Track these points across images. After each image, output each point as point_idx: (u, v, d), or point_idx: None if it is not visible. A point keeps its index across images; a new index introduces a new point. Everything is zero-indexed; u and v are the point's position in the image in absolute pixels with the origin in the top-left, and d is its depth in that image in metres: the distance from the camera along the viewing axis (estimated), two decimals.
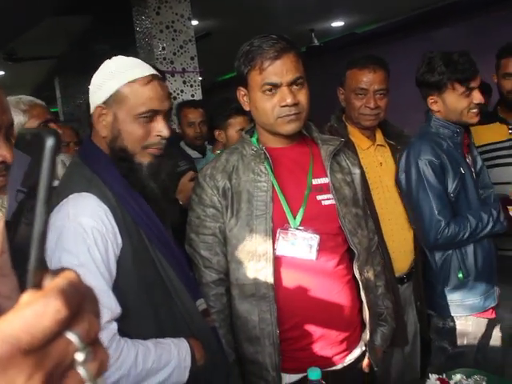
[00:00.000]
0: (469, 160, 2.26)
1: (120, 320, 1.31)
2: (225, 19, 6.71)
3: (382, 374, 2.26)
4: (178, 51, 4.72)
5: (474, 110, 2.17)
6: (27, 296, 0.39)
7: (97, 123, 1.45)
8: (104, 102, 1.43)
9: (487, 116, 2.67)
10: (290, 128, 1.63)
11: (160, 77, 1.48)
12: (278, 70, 1.57)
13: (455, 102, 2.17)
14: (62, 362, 0.39)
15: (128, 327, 1.34)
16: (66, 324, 0.39)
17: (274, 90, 1.59)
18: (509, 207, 2.13)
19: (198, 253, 1.68)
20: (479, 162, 2.33)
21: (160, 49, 4.63)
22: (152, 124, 1.43)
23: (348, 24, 8.15)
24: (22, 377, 0.36)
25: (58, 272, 0.40)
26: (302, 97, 1.62)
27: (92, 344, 0.41)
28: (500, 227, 2.16)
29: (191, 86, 4.78)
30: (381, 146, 2.31)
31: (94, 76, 1.48)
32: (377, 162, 2.27)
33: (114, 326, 1.28)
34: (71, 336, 0.39)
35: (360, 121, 2.24)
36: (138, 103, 1.40)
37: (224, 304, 1.68)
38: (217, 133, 2.96)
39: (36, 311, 0.37)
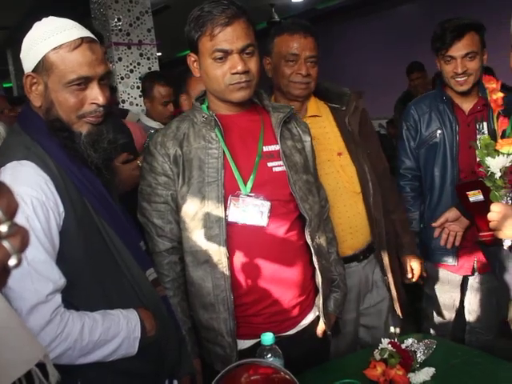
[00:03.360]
0: (480, 127, 2.32)
1: (66, 291, 1.28)
2: None
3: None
4: (135, 23, 4.60)
5: (457, 79, 2.29)
6: None
7: (29, 93, 1.37)
8: (34, 70, 1.35)
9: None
10: (240, 95, 1.62)
11: (91, 39, 1.37)
12: (229, 36, 1.55)
13: (442, 68, 2.35)
14: None
15: (74, 298, 1.32)
16: None
17: (225, 57, 1.57)
18: (469, 193, 2.11)
19: (151, 221, 1.67)
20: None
21: (115, 20, 4.51)
22: (86, 91, 1.35)
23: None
24: None
25: None
26: (253, 64, 1.61)
27: (13, 219, 0.45)
28: None
29: (148, 58, 4.69)
30: (314, 116, 2.15)
31: (24, 40, 1.37)
32: None
33: (58, 298, 1.26)
34: None
35: (290, 89, 2.09)
36: (66, 71, 1.32)
37: (178, 272, 1.69)
38: (183, 97, 2.91)
39: None
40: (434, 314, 2.62)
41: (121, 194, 1.62)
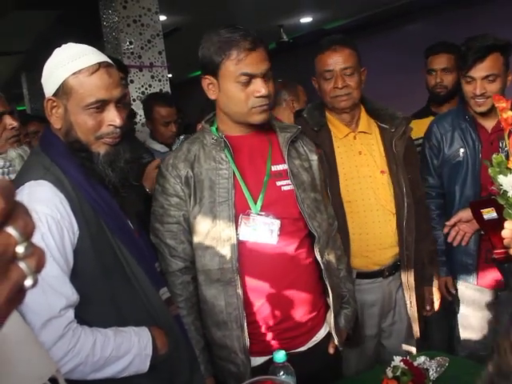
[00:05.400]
0: (503, 145, 2.29)
1: (80, 307, 1.32)
2: (193, 15, 6.69)
3: None
4: (146, 46, 4.68)
5: (476, 100, 2.28)
6: None
7: (50, 116, 1.44)
8: (54, 94, 1.41)
9: (421, 111, 3.05)
10: (261, 118, 1.67)
11: (108, 63, 1.44)
12: (254, 60, 1.61)
13: (463, 86, 2.33)
14: (5, 254, 0.43)
15: (88, 315, 1.35)
16: (5, 217, 0.43)
17: (249, 81, 1.62)
18: (483, 210, 2.09)
19: (164, 242, 1.70)
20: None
21: (127, 43, 4.59)
22: (104, 114, 1.41)
23: (317, 20, 8.20)
24: None
25: None
26: (271, 88, 1.66)
27: (29, 240, 0.45)
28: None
29: (159, 80, 4.75)
30: (364, 133, 2.21)
31: (45, 66, 1.44)
32: (355, 151, 2.19)
33: (70, 313, 1.29)
34: (10, 230, 0.44)
35: (333, 104, 2.17)
36: (85, 94, 1.38)
37: (191, 292, 1.71)
38: (200, 126, 2.93)
39: None
40: (463, 332, 2.55)
41: (139, 214, 1.64)
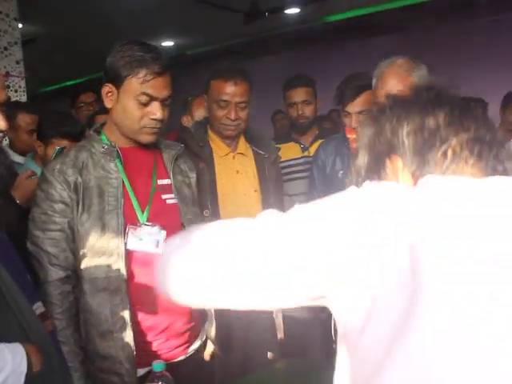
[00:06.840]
0: None
1: None
2: (51, 27, 6.45)
3: None
4: (2, 53, 4.42)
5: (351, 134, 2.48)
6: None
7: None
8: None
9: (283, 137, 3.32)
10: (150, 138, 1.73)
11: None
12: (159, 85, 1.67)
13: (342, 119, 2.54)
14: None
15: None
16: None
17: (148, 102, 1.67)
18: None
19: (44, 250, 1.65)
20: None
21: None
22: None
23: (178, 44, 8.35)
24: None
25: None
26: (166, 114, 1.73)
27: None
28: None
29: (16, 91, 4.50)
30: (241, 154, 2.39)
31: None
32: (233, 170, 2.35)
33: None
34: None
35: (221, 130, 2.32)
36: None
37: (71, 302, 1.67)
38: (37, 144, 2.82)
39: None
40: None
41: (9, 225, 1.58)
